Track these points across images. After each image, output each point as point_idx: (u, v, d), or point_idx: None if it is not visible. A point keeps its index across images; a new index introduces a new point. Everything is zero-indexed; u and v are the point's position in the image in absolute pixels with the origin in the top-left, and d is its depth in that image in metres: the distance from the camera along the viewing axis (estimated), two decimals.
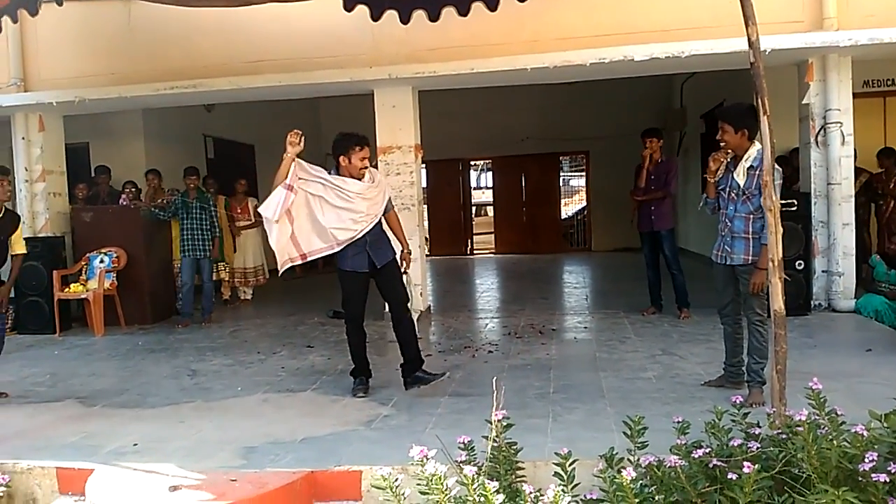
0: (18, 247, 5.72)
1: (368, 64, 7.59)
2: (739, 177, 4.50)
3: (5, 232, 5.60)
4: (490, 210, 19.88)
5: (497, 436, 3.28)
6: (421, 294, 8.07)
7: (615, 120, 14.74)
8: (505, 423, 3.33)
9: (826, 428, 3.08)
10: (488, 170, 20.50)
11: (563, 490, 2.80)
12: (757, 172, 4.41)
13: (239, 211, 10.01)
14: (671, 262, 7.48)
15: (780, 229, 3.76)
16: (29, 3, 5.15)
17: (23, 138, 8.79)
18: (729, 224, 4.57)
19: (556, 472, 3.10)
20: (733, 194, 4.56)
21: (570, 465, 3.10)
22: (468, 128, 15.77)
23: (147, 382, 5.79)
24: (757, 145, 4.48)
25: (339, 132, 5.12)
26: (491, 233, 18.21)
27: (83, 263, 8.46)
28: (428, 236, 15.89)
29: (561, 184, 18.43)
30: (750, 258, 4.48)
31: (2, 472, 3.91)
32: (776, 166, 4.18)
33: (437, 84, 8.09)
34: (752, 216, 4.50)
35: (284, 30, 7.75)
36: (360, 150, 4.97)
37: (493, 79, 8.02)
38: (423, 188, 10.73)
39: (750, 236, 4.50)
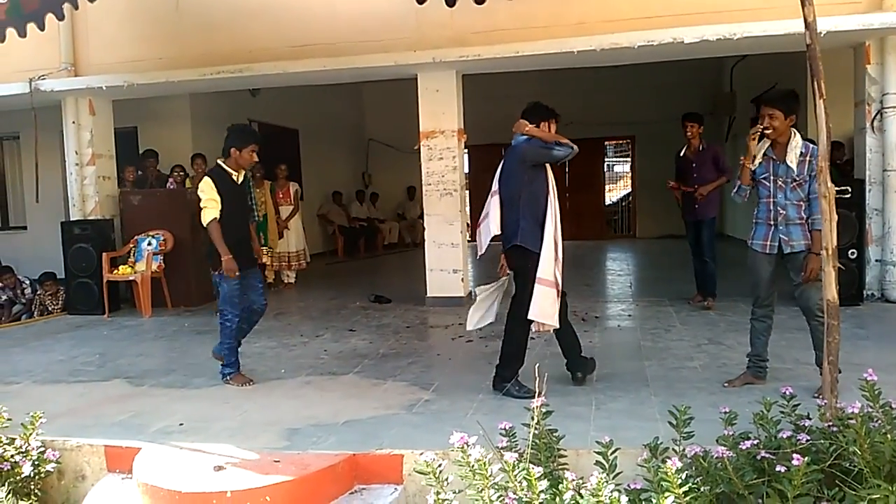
0: None
1: (412, 48, 7.56)
2: (792, 164, 4.40)
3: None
4: None
5: (538, 423, 3.25)
6: (462, 280, 8.06)
7: (662, 104, 14.42)
8: (545, 410, 3.30)
9: (879, 421, 2.99)
10: None
11: (605, 479, 2.77)
12: (808, 158, 4.34)
13: (281, 196, 10.07)
14: (706, 249, 7.34)
15: (835, 216, 3.65)
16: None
17: (73, 122, 8.97)
18: (783, 212, 4.46)
19: (598, 461, 3.07)
20: (781, 182, 4.46)
21: (612, 453, 3.06)
22: (511, 112, 15.57)
23: (193, 363, 5.88)
24: (796, 132, 4.45)
25: (531, 102, 5.12)
26: None
27: (131, 246, 8.61)
28: (469, 222, 15.86)
29: (605, 169, 18.19)
30: (810, 243, 4.40)
31: (52, 449, 4.01)
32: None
33: (481, 68, 8.04)
34: (803, 203, 4.44)
35: (329, 14, 7.76)
36: (554, 124, 5.04)
37: (539, 62, 7.94)
38: (466, 173, 10.67)
39: (805, 222, 4.43)
